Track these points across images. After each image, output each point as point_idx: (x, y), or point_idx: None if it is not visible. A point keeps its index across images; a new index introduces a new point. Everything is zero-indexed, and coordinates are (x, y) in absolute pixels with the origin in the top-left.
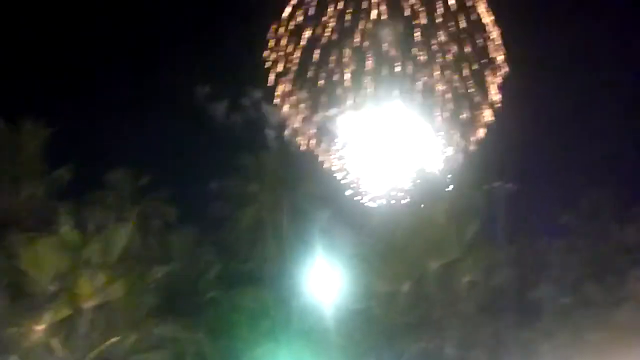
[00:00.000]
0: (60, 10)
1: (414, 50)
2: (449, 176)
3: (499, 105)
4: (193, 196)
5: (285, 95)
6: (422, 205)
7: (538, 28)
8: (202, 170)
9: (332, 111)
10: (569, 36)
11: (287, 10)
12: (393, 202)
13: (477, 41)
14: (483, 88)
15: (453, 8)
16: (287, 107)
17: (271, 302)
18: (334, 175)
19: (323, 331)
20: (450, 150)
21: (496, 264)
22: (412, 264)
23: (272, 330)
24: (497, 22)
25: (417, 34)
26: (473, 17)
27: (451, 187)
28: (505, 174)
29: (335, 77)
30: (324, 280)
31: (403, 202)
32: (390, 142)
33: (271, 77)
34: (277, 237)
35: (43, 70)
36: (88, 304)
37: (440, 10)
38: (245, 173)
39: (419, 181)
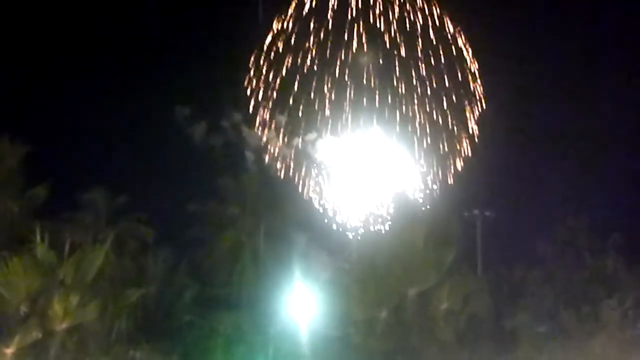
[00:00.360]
0: (38, 29)
1: (394, 81)
2: (427, 203)
3: (477, 137)
4: (171, 218)
5: (265, 120)
6: (400, 232)
7: (516, 57)
8: (180, 192)
9: (311, 136)
10: (547, 66)
11: (269, 39)
12: (371, 228)
13: (457, 72)
14: (462, 120)
15: (433, 40)
16: (267, 131)
17: (248, 328)
18: (312, 200)
19: (300, 357)
20: (428, 178)
21: (473, 292)
22: (390, 291)
23: (249, 356)
24: (476, 53)
25: (397, 66)
26: (453, 49)
27: (429, 214)
28: (483, 202)
29: (315, 104)
30: (302, 306)
31: (381, 228)
32: (368, 168)
33: (251, 102)
34: (255, 262)
35: (20, 88)
36: (60, 327)
37: (420, 42)
38: (224, 196)
39: (397, 207)
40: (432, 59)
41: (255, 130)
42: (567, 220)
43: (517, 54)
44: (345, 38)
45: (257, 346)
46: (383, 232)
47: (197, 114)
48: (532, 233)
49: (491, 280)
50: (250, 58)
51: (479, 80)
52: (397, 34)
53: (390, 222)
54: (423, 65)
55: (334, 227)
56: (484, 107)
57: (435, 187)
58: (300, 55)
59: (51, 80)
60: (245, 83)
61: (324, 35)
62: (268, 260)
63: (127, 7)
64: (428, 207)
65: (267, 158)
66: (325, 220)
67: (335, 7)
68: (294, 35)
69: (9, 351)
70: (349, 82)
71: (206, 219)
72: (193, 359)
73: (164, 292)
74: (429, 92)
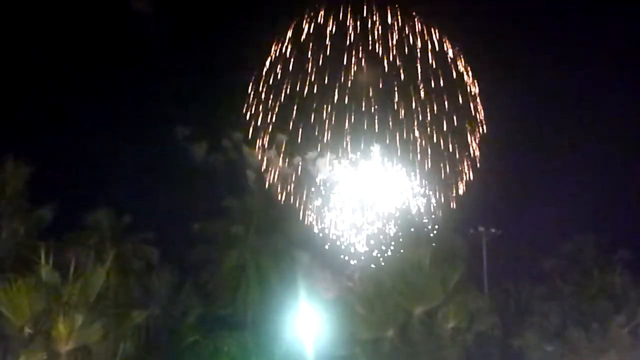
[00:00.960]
0: (40, 48)
1: (394, 105)
2: (432, 222)
3: (478, 160)
4: (175, 238)
5: (267, 141)
6: (406, 250)
7: (518, 79)
8: (185, 212)
9: (312, 156)
10: (548, 84)
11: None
12: (374, 247)
13: (457, 95)
14: (463, 142)
15: (432, 63)
16: (268, 152)
17: (253, 347)
18: (312, 221)
19: None
20: (432, 198)
21: (480, 310)
22: (396, 310)
23: None
24: (477, 76)
25: (396, 89)
26: (453, 72)
27: (434, 232)
28: (489, 219)
29: (315, 129)
30: (307, 325)
31: (384, 247)
32: (370, 189)
33: (253, 124)
34: (259, 281)
35: (25, 109)
36: (64, 348)
37: (419, 66)
38: (228, 215)
39: (401, 226)
40: (432, 82)
41: (257, 150)
42: (573, 237)
43: (518, 75)
44: (344, 62)
45: None
46: (387, 251)
47: (200, 136)
48: (539, 250)
49: (498, 298)
50: (250, 82)
51: (479, 103)
52: (397, 58)
53: (393, 242)
54: (422, 88)
55: (339, 246)
56: (485, 129)
57: (439, 206)
58: (299, 79)
59: (55, 101)
60: (246, 107)
61: (322, 59)
62: (273, 279)
63: (134, 34)
64: (433, 225)
65: (268, 178)
66: (328, 242)
67: (334, 31)
68: (292, 60)
69: None
70: (348, 106)
71: (211, 238)
72: None
73: (169, 312)
74: (428, 116)
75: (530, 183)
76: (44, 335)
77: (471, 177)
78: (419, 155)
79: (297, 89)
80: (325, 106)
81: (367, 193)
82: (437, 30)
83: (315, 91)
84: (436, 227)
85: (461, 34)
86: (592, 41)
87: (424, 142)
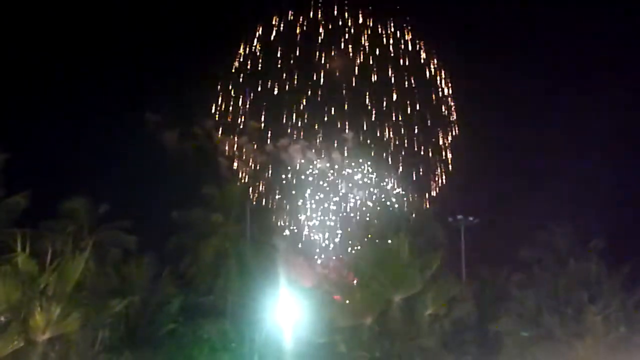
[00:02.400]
0: (18, 39)
1: (367, 105)
2: (412, 210)
3: (450, 159)
4: (154, 226)
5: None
6: (384, 239)
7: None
8: (164, 200)
9: (284, 143)
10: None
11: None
12: (350, 236)
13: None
14: (435, 141)
15: (405, 65)
16: (240, 139)
17: (233, 335)
18: (287, 210)
19: None
20: (411, 188)
21: (457, 298)
22: (376, 298)
23: None
24: (450, 77)
25: (368, 90)
26: (426, 73)
27: (413, 220)
28: (467, 208)
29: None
30: (287, 313)
31: (366, 235)
32: (347, 177)
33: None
34: (239, 269)
35: (1, 97)
36: (41, 337)
37: (390, 67)
38: (208, 204)
39: (379, 216)
40: (405, 83)
41: (234, 139)
42: (549, 226)
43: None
44: (317, 59)
45: (241, 354)
46: (368, 239)
47: (176, 125)
48: (516, 239)
49: (475, 285)
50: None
51: (451, 103)
52: (369, 59)
53: (375, 230)
54: (395, 90)
55: (311, 236)
56: (457, 130)
57: (417, 196)
58: (270, 78)
59: (31, 88)
60: (219, 94)
61: (293, 59)
62: (253, 267)
63: (106, 21)
64: (412, 214)
65: (240, 166)
66: (303, 231)
67: (305, 28)
68: (260, 60)
69: None
70: (321, 100)
71: (191, 227)
72: None
73: (148, 300)
74: (400, 116)
75: (508, 173)
76: (21, 323)
77: (449, 169)
78: (392, 148)
79: (269, 82)
80: (297, 98)
81: (341, 182)
82: (409, 33)
83: (287, 89)
84: (416, 215)
85: (435, 36)
86: (560, 40)
87: (395, 141)
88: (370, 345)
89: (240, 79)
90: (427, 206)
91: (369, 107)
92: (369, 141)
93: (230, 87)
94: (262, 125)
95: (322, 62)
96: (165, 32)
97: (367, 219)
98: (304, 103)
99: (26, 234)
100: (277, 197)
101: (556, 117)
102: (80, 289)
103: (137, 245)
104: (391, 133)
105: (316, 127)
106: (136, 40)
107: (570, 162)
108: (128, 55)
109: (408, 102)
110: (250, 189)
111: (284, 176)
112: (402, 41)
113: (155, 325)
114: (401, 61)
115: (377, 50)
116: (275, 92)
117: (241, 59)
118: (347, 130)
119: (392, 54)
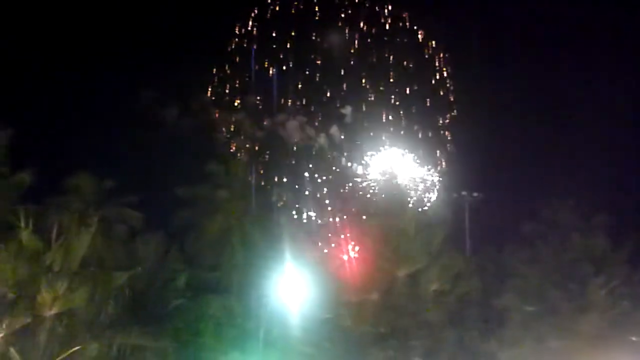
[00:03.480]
0: (21, 18)
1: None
2: (417, 186)
3: (450, 144)
4: (160, 202)
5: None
6: (389, 214)
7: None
8: (169, 176)
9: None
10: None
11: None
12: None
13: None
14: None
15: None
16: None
17: (238, 311)
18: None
19: (291, 340)
20: (416, 165)
21: (461, 273)
22: (381, 273)
23: (239, 340)
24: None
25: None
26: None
27: (418, 197)
28: (471, 184)
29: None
30: (292, 289)
31: (371, 211)
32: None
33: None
34: (244, 245)
35: (4, 73)
36: (48, 312)
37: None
38: (213, 180)
39: (385, 191)
40: (403, 63)
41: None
42: (552, 202)
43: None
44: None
45: (247, 329)
46: (373, 214)
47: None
48: (520, 214)
49: (480, 261)
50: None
51: (450, 85)
52: (367, 39)
53: (380, 205)
54: (392, 71)
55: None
56: (455, 110)
57: (425, 171)
58: (267, 57)
59: (37, 65)
60: (215, 70)
61: (289, 40)
62: (259, 243)
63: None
64: (417, 190)
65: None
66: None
67: (301, 7)
68: (255, 39)
69: None
70: (317, 86)
71: (196, 203)
72: (183, 343)
73: (154, 276)
74: (398, 97)
75: (513, 149)
76: (28, 299)
77: (450, 148)
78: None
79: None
80: (291, 87)
81: (341, 158)
82: (407, 15)
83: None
84: (420, 192)
85: (432, 15)
86: (559, 30)
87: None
88: (375, 320)
89: (237, 59)
90: (433, 182)
91: (367, 87)
92: (367, 122)
93: (227, 66)
94: (260, 104)
95: (319, 41)
96: (163, 14)
97: (370, 195)
98: (301, 83)
99: (29, 211)
100: (277, 173)
101: (559, 92)
102: (87, 265)
103: (143, 222)
104: (389, 114)
105: (312, 108)
106: (131, 17)
107: (576, 137)
108: (128, 36)
109: (406, 81)
110: (252, 165)
111: (281, 153)
112: (399, 21)
113: (162, 301)
114: (399, 40)
115: (374, 29)
116: (271, 72)
117: (237, 39)
118: (346, 107)
119: (389, 34)
